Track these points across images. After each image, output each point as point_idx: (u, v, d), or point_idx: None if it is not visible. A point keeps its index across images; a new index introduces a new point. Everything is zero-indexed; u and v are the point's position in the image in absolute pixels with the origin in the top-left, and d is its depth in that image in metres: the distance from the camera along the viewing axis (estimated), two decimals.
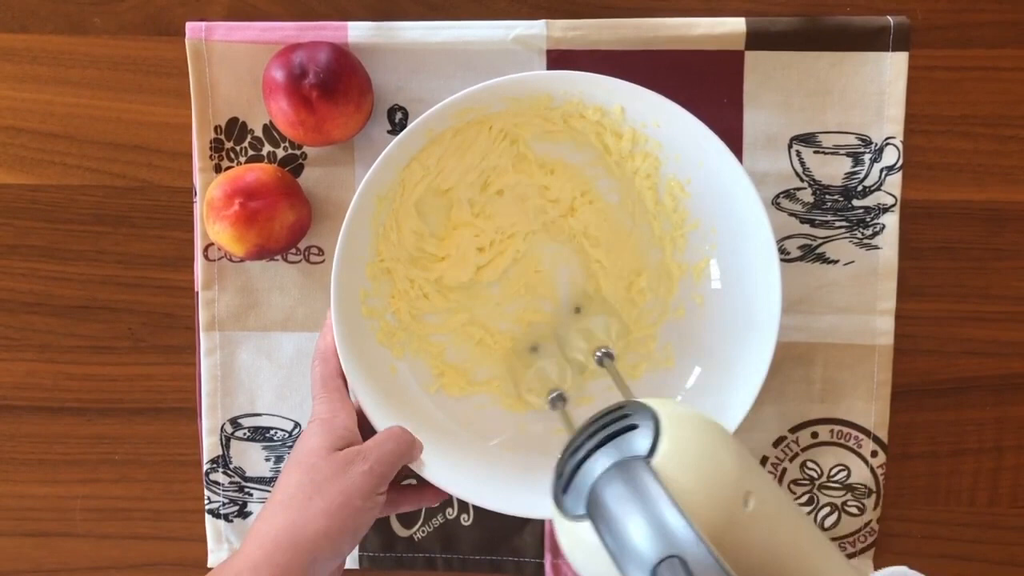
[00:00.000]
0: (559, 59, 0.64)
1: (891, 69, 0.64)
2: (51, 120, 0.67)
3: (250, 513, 0.69)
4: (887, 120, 0.64)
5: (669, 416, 0.46)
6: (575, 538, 0.46)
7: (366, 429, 0.59)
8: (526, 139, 0.63)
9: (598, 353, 0.63)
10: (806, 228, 0.66)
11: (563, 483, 0.47)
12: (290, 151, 0.66)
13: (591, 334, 0.64)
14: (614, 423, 0.47)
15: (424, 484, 0.61)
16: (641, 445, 0.45)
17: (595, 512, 0.44)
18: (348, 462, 0.54)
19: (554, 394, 0.62)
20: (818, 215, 0.65)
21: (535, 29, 0.63)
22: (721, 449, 0.46)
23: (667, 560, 0.40)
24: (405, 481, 0.64)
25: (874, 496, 0.67)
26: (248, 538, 0.53)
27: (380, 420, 0.60)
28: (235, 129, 0.66)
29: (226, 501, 0.69)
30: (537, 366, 0.64)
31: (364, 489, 0.53)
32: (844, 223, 0.65)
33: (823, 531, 0.49)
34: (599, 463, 0.46)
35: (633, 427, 0.46)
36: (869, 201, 0.65)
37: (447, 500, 0.68)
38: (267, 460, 0.69)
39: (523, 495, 0.62)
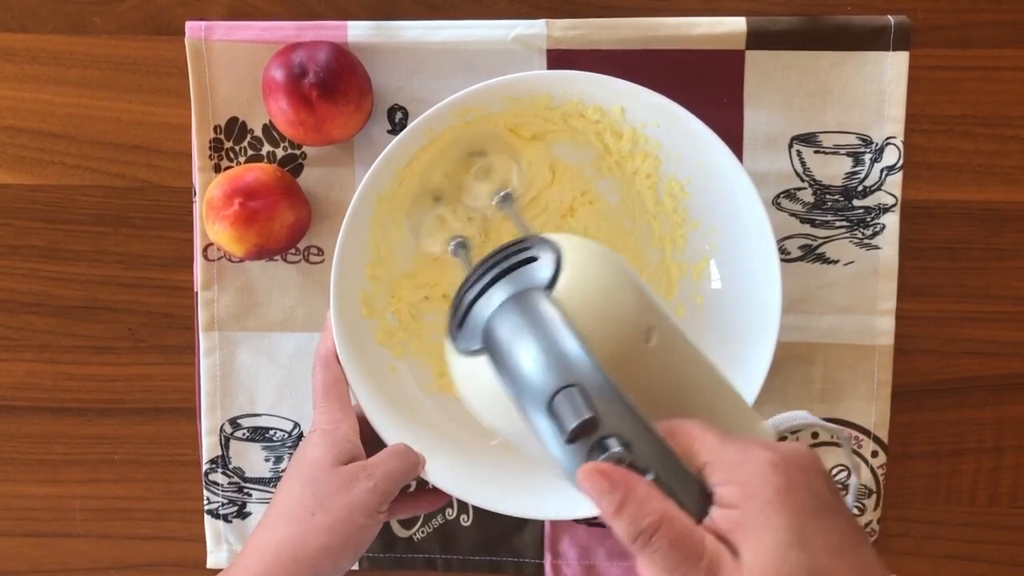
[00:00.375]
0: (559, 59, 0.64)
1: (892, 69, 0.64)
2: (51, 120, 0.67)
3: (249, 514, 0.69)
4: (887, 120, 0.64)
5: (571, 249, 0.44)
6: (470, 375, 0.44)
7: (366, 433, 0.58)
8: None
9: (497, 196, 0.61)
10: (806, 228, 0.66)
11: (459, 318, 0.45)
12: (290, 151, 0.66)
13: (491, 176, 0.62)
14: (513, 256, 0.45)
15: (420, 491, 0.61)
16: (541, 277, 0.43)
17: (491, 346, 0.42)
18: (352, 478, 0.53)
19: (455, 241, 0.60)
20: (818, 215, 0.65)
21: (535, 29, 0.63)
22: (625, 283, 0.44)
23: (565, 389, 0.39)
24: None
25: (874, 496, 0.67)
26: (247, 550, 0.52)
27: (380, 420, 0.60)
28: (235, 129, 0.66)
29: (225, 501, 0.69)
30: (436, 212, 0.62)
31: (368, 506, 0.53)
32: (844, 223, 0.65)
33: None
34: (496, 296, 0.44)
35: (533, 259, 0.44)
36: (869, 201, 0.65)
37: (447, 501, 0.68)
38: (267, 460, 0.69)
39: (523, 495, 0.62)
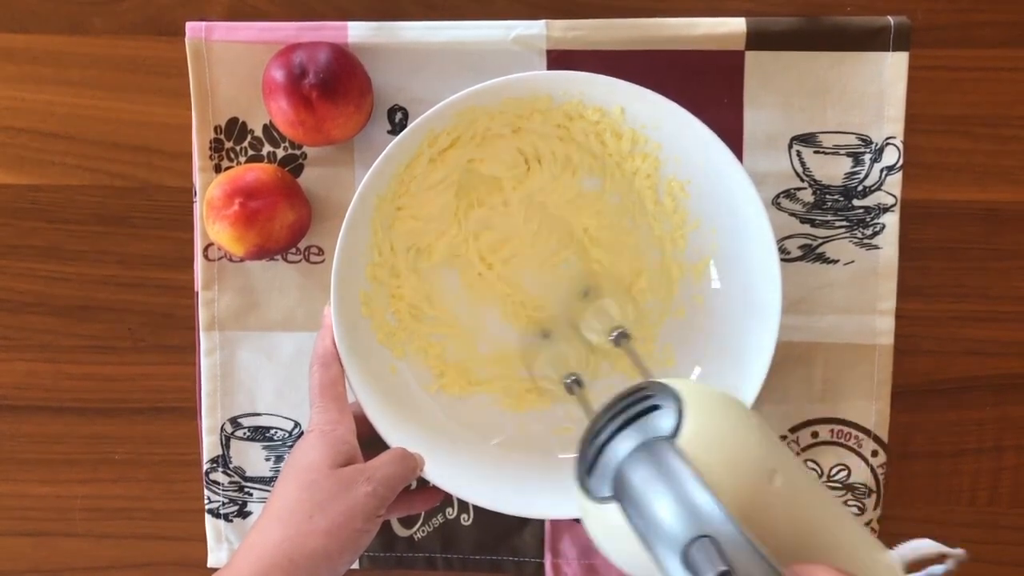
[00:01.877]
0: (559, 59, 0.64)
1: (891, 69, 0.64)
2: (51, 120, 0.67)
3: (250, 513, 0.69)
4: (887, 120, 0.64)
5: (691, 395, 0.46)
6: (602, 521, 0.45)
7: (363, 433, 0.58)
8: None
9: (614, 334, 0.62)
10: (806, 228, 0.66)
11: (587, 465, 0.47)
12: (290, 151, 0.66)
13: (605, 315, 0.63)
14: (636, 404, 0.47)
15: (417, 489, 0.61)
16: (665, 425, 0.45)
17: (622, 494, 0.44)
18: (351, 481, 0.53)
19: (570, 379, 0.62)
20: (818, 215, 0.65)
21: (535, 29, 0.63)
22: (745, 427, 0.46)
23: (698, 540, 0.40)
24: None
25: (874, 496, 0.67)
26: (242, 551, 0.52)
27: (380, 420, 0.60)
28: (235, 129, 0.66)
29: (226, 501, 0.69)
30: (551, 350, 0.63)
31: (366, 510, 0.53)
32: (844, 223, 0.65)
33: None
34: (623, 445, 0.45)
35: (656, 407, 0.46)
36: (869, 201, 0.65)
37: (447, 500, 0.68)
38: (267, 460, 0.69)
39: (523, 495, 0.62)
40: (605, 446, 0.46)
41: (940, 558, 0.60)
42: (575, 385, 0.61)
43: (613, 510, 0.44)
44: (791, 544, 0.43)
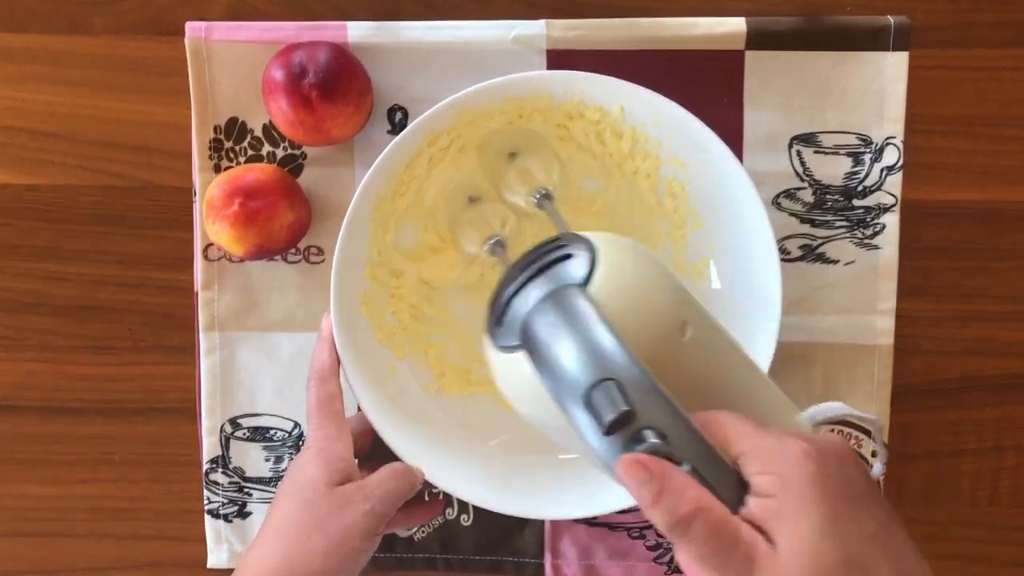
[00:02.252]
0: (559, 59, 0.64)
1: (891, 69, 0.64)
2: (51, 120, 0.67)
3: (250, 513, 0.69)
4: (887, 120, 0.64)
5: (606, 246, 0.45)
6: (508, 370, 0.44)
7: (362, 447, 0.58)
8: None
9: (536, 195, 0.61)
10: (806, 228, 0.66)
11: (496, 315, 0.46)
12: (290, 151, 0.66)
13: (528, 175, 0.62)
14: (549, 253, 0.46)
15: (415, 503, 0.61)
16: (577, 273, 0.44)
17: (528, 341, 0.43)
18: (349, 500, 0.53)
19: (492, 240, 0.61)
20: (818, 215, 0.65)
21: (535, 29, 0.63)
22: (659, 278, 0.45)
23: (601, 383, 0.39)
24: None
25: None
26: (241, 569, 0.52)
27: (380, 421, 0.60)
28: (235, 129, 0.66)
29: (226, 501, 0.69)
30: (473, 212, 0.62)
31: (365, 529, 0.52)
32: (844, 223, 0.65)
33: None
34: (533, 293, 0.44)
35: (569, 256, 0.45)
36: (869, 201, 0.65)
37: (447, 500, 0.68)
38: (267, 460, 0.69)
39: (523, 495, 0.62)
40: (516, 295, 0.45)
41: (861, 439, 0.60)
42: (497, 247, 0.60)
43: (520, 359, 0.43)
44: (701, 397, 0.42)
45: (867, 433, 0.66)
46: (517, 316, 0.44)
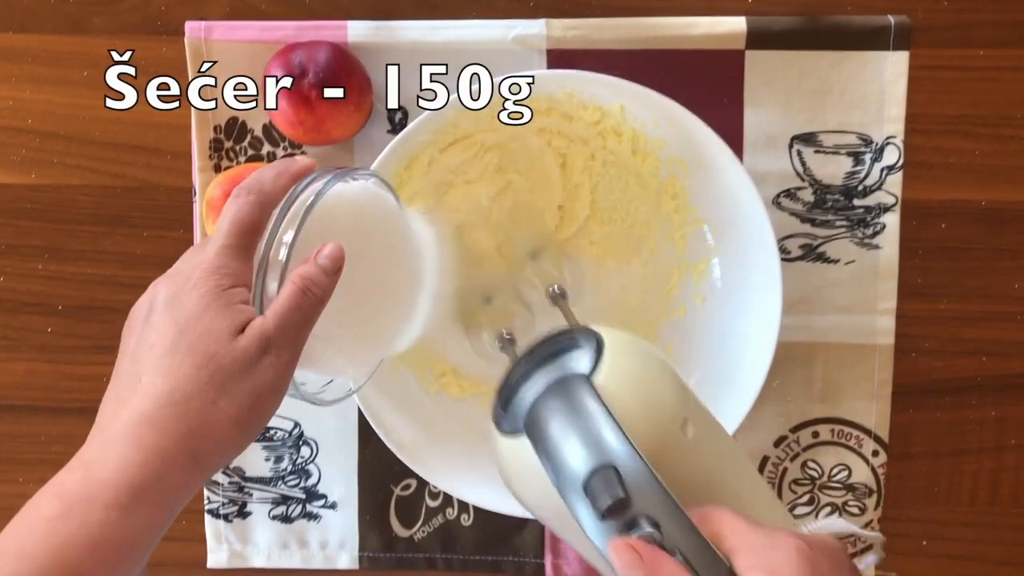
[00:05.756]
0: (559, 59, 0.64)
1: (892, 68, 0.64)
2: (51, 120, 0.67)
3: (250, 513, 0.69)
4: (888, 120, 0.64)
5: (612, 339, 0.46)
6: (511, 456, 0.45)
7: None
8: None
9: (551, 291, 0.61)
10: (807, 227, 0.66)
11: (503, 400, 0.47)
12: (290, 151, 0.66)
13: (545, 274, 0.62)
14: (557, 343, 0.47)
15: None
16: (582, 364, 0.45)
17: (532, 427, 0.44)
18: (260, 352, 0.43)
19: (505, 337, 0.61)
20: (819, 214, 0.65)
21: (535, 29, 0.63)
22: (662, 374, 0.46)
23: (600, 470, 0.40)
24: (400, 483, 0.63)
25: (875, 496, 0.67)
26: (131, 438, 0.42)
27: (380, 420, 0.60)
28: (235, 129, 0.66)
29: (226, 501, 0.69)
30: (488, 310, 0.63)
31: (275, 385, 0.44)
32: (845, 223, 0.65)
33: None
34: (540, 380, 0.45)
35: (576, 347, 0.46)
36: (870, 201, 0.65)
37: (447, 500, 0.68)
38: (267, 460, 0.69)
39: None
40: (523, 382, 0.46)
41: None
42: (508, 343, 0.61)
43: (523, 444, 0.44)
44: (699, 493, 0.43)
45: (867, 433, 0.66)
46: (523, 401, 0.45)
